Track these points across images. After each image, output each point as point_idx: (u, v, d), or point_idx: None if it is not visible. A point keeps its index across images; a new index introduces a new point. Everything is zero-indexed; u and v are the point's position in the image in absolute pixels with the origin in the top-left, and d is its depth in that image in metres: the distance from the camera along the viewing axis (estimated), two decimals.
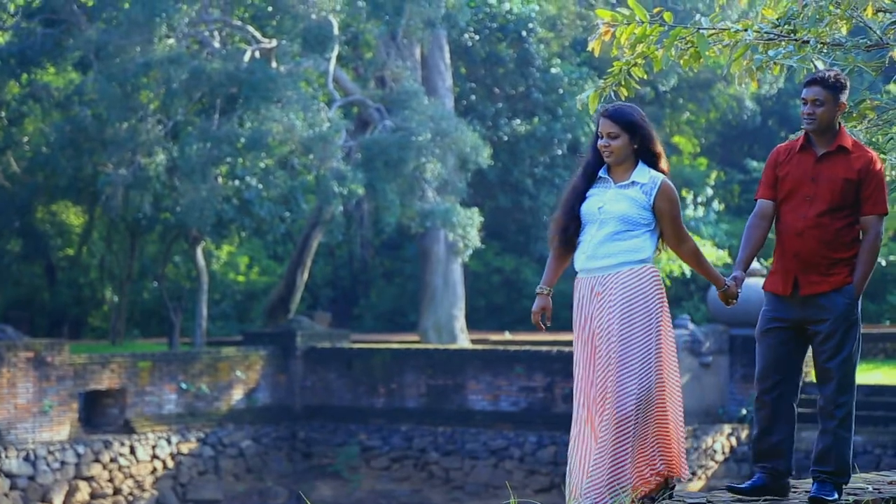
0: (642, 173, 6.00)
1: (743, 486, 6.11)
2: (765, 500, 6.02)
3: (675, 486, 5.99)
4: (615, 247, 5.93)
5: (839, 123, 6.15)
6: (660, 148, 6.05)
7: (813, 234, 6.05)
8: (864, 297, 33.07)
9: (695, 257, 6.07)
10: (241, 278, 36.49)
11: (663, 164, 6.03)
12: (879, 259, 34.24)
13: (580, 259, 6.01)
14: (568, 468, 6.00)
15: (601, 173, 6.06)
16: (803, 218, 6.07)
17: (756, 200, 6.27)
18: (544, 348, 24.03)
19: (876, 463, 19.98)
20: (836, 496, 6.06)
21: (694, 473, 20.80)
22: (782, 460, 6.12)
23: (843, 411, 6.08)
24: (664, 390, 5.92)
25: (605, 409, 5.83)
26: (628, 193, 5.97)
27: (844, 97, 6.11)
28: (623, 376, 5.83)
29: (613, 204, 5.95)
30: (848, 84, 6.20)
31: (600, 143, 6.01)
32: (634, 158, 6.02)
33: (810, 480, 6.24)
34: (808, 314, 6.09)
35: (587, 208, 6.00)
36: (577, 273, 6.07)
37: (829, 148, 6.11)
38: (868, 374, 23.43)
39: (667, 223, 5.99)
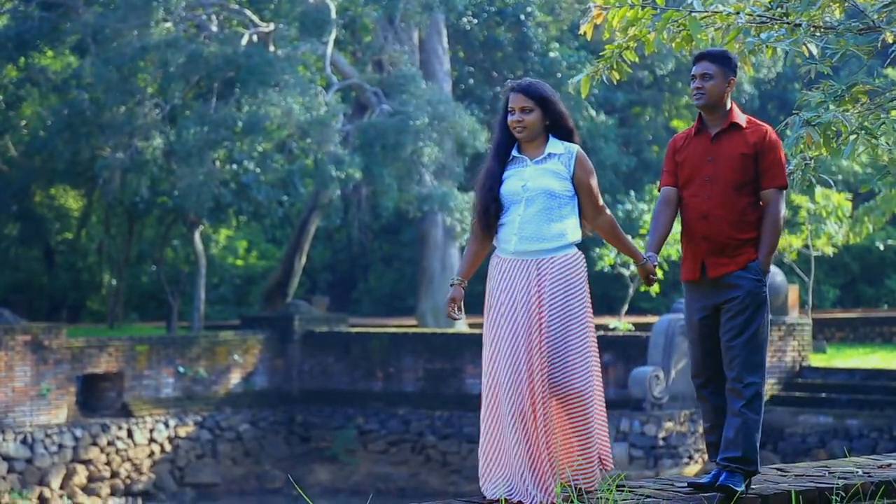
0: (555, 145, 5.90)
1: (704, 480, 5.93)
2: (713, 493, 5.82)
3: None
4: (547, 230, 5.79)
5: (731, 101, 6.05)
6: (572, 123, 5.97)
7: (718, 214, 5.93)
8: (862, 281, 32.97)
9: (611, 229, 5.95)
10: (239, 262, 36.49)
11: (576, 139, 5.95)
12: (877, 244, 33.73)
13: (510, 241, 5.83)
14: (501, 459, 5.78)
15: (514, 153, 5.93)
16: (707, 199, 5.95)
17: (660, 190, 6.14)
18: None
19: (872, 447, 19.95)
20: (744, 488, 5.82)
21: (690, 457, 20.81)
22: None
23: (750, 391, 5.88)
24: (595, 380, 5.86)
25: (558, 392, 5.73)
26: (548, 167, 5.86)
27: (734, 74, 6.01)
28: (569, 362, 5.74)
29: (536, 180, 5.83)
30: (737, 62, 6.12)
31: (512, 118, 5.89)
32: (545, 134, 5.92)
33: (799, 465, 6.21)
34: (720, 296, 5.96)
35: (508, 189, 5.86)
36: (498, 253, 5.91)
37: (722, 126, 6.01)
38: (865, 358, 23.43)
39: (584, 193, 5.88)
